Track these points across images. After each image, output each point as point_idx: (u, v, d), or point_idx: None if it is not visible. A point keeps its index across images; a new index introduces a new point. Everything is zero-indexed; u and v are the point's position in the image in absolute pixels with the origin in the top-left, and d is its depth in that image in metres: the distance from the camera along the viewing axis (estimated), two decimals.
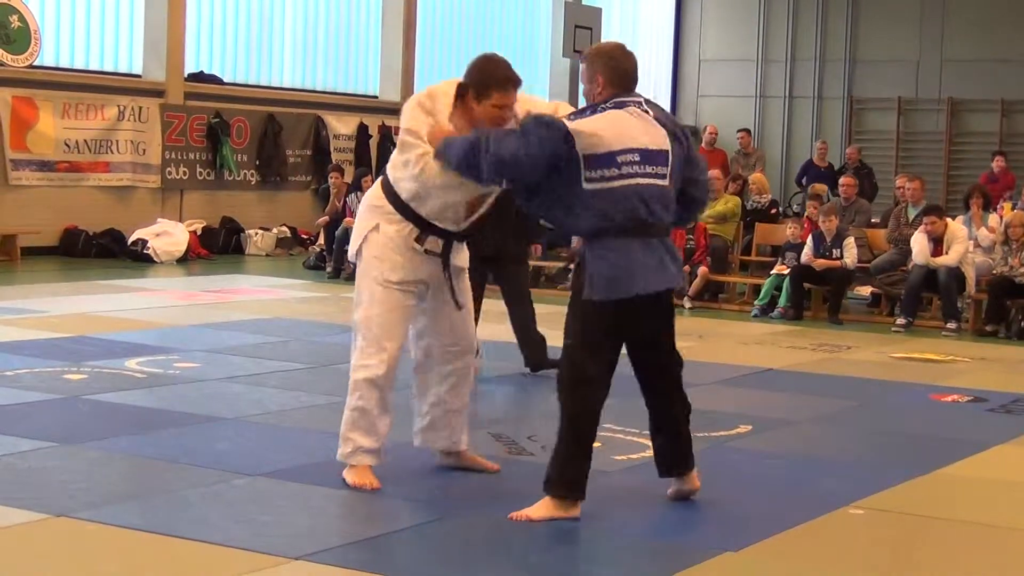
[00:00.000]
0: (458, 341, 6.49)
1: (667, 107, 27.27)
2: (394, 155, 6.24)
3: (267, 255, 19.33)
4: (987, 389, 9.80)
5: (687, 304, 14.63)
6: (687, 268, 14.81)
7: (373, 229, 6.20)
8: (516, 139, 5.64)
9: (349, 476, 6.24)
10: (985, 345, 12.66)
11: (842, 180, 16.56)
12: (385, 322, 6.23)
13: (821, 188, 17.79)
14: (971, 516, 6.26)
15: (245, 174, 19.98)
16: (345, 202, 17.50)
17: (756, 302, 14.50)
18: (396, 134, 20.76)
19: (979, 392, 9.65)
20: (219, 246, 19.11)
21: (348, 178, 19.52)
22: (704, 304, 14.97)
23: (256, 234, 19.55)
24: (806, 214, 15.73)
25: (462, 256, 6.44)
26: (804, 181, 20.32)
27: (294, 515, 5.84)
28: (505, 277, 9.74)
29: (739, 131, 21.51)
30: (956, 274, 13.52)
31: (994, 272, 13.68)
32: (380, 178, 6.33)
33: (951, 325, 13.44)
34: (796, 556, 5.46)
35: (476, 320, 9.40)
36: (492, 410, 8.39)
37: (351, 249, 6.36)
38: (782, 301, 14.28)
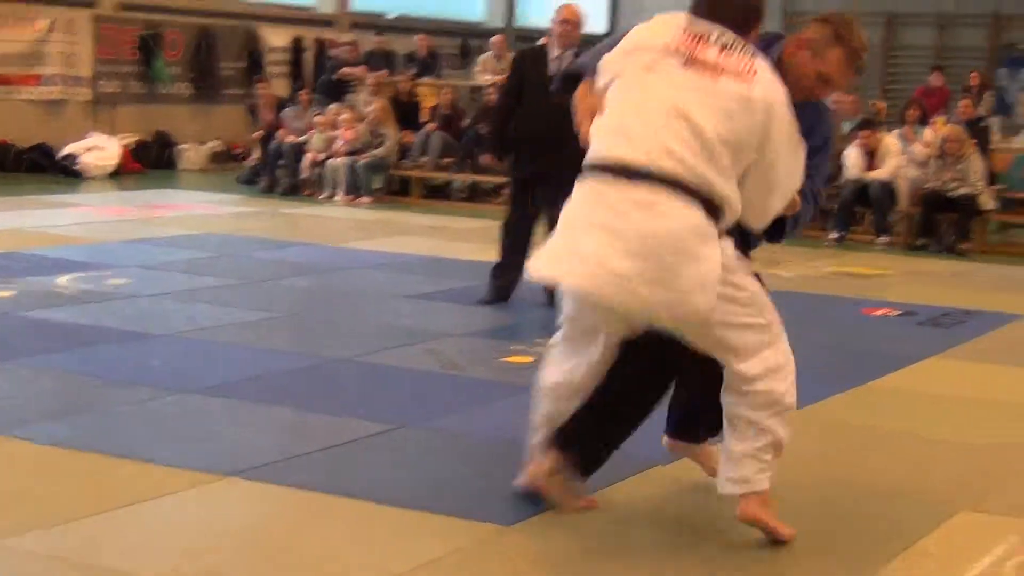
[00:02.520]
0: None
1: (605, 20, 27.21)
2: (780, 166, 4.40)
3: (201, 169, 19.16)
4: (917, 303, 9.89)
5: None
6: None
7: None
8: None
9: (764, 511, 4.61)
10: (916, 259, 12.77)
11: None
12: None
13: None
14: (900, 427, 6.34)
15: (179, 87, 19.75)
16: (282, 115, 17.35)
17: None
18: (331, 47, 20.68)
19: (909, 306, 9.74)
20: (152, 160, 18.91)
21: (280, 91, 19.38)
22: None
23: (190, 148, 19.37)
24: None
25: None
26: None
27: (229, 431, 5.84)
28: (548, 204, 9.34)
29: None
30: (889, 188, 13.60)
31: (926, 186, 13.77)
32: (692, 202, 4.26)
33: (883, 239, 13.55)
34: None
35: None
36: (431, 325, 8.40)
37: (704, 299, 4.31)
38: None
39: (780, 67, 4.48)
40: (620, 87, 4.42)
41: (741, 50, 4.34)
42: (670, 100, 4.27)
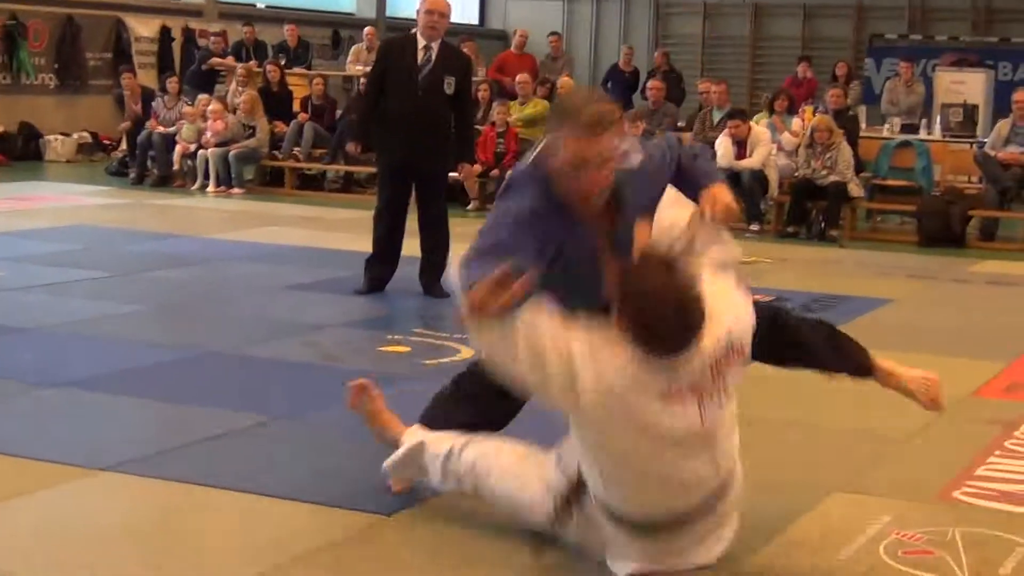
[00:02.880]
0: None
1: (475, 11, 27.21)
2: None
3: (68, 161, 18.84)
4: (788, 289, 10.00)
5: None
6: (496, 172, 14.85)
7: None
8: None
9: None
10: (787, 246, 12.94)
11: (650, 84, 16.70)
12: None
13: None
14: (771, 412, 6.40)
15: (43, 78, 19.40)
16: (151, 106, 17.11)
17: None
18: (201, 36, 20.46)
19: (780, 292, 9.83)
20: (18, 152, 18.55)
21: (148, 81, 19.11)
22: None
23: (56, 140, 19.03)
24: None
25: None
26: (609, 86, 20.43)
27: (102, 425, 5.75)
28: (420, 193, 9.26)
29: (549, 35, 21.54)
30: (759, 176, 13.76)
31: (796, 175, 13.96)
32: None
33: (754, 227, 13.71)
34: None
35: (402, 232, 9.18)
36: (308, 316, 8.34)
37: None
38: None
39: (564, 197, 4.25)
40: (634, 442, 3.90)
41: (712, 361, 3.97)
42: (695, 434, 3.97)
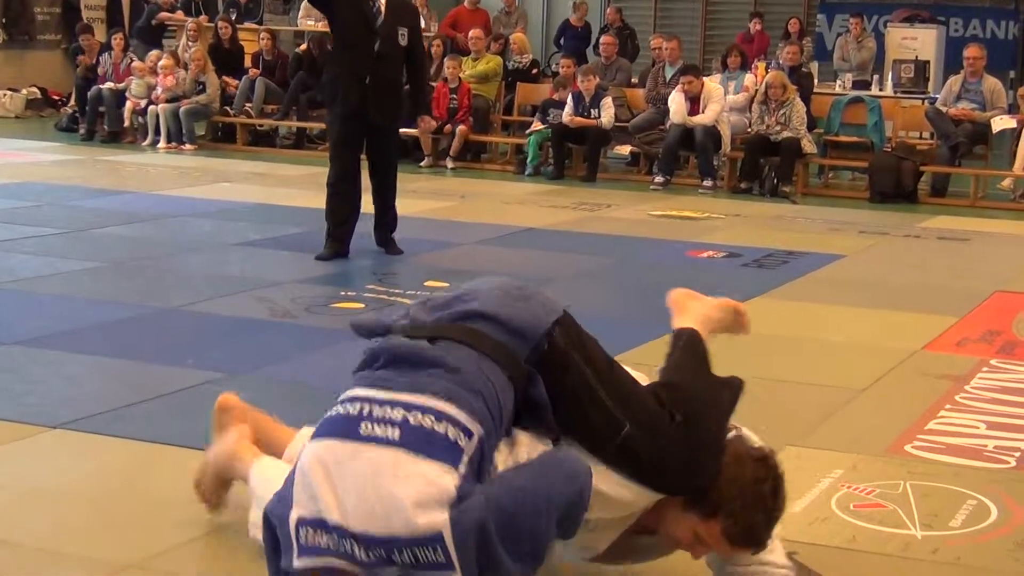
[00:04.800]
0: None
1: None
2: None
3: (16, 117, 18.67)
4: (741, 245, 10.05)
5: (449, 164, 14.66)
6: (449, 128, 14.80)
7: None
8: None
9: None
10: (739, 202, 12.97)
11: (603, 40, 16.69)
12: None
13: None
14: (724, 366, 6.43)
15: None
16: (98, 62, 16.94)
17: (529, 162, 14.49)
18: None
19: (733, 248, 9.90)
20: None
21: (97, 36, 18.94)
22: (466, 164, 14.99)
23: (5, 95, 18.85)
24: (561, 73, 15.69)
25: None
26: (562, 42, 20.36)
27: (53, 383, 5.71)
28: (372, 145, 9.14)
29: None
30: (712, 133, 13.77)
31: (749, 131, 13.99)
32: None
33: (707, 183, 13.74)
34: None
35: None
36: (261, 273, 8.31)
37: None
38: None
39: None
40: None
41: None
42: None
